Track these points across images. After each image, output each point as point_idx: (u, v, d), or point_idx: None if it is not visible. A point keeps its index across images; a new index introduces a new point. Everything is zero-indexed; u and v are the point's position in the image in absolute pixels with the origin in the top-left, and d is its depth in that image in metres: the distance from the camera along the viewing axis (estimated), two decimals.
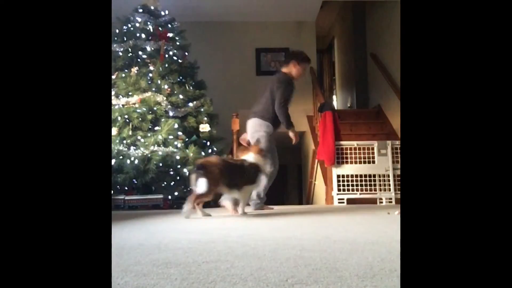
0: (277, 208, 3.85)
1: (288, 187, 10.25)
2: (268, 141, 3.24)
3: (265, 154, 2.89)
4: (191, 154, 4.03)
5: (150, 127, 4.18)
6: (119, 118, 4.12)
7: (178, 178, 4.01)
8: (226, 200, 2.95)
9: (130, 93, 4.27)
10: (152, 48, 4.60)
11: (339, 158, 4.59)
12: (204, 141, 4.47)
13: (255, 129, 3.29)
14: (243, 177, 2.66)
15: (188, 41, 5.01)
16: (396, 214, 2.59)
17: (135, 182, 3.94)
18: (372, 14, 7.06)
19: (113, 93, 4.27)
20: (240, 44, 7.16)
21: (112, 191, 3.82)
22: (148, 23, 4.75)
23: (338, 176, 4.56)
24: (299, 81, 7.69)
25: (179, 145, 4.09)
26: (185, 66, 4.79)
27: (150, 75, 4.45)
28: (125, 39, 4.63)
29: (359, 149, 4.62)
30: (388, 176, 4.53)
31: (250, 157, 2.76)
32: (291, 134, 3.37)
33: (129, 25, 4.73)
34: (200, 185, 2.42)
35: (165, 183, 4.00)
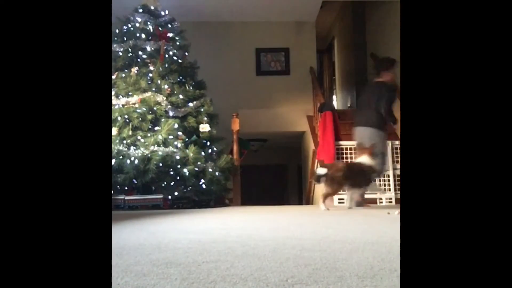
0: (277, 208, 3.85)
1: (288, 187, 10.25)
2: (383, 146, 3.77)
3: (375, 155, 3.44)
4: (191, 154, 4.03)
5: (150, 127, 4.17)
6: (119, 118, 4.11)
7: (178, 178, 4.01)
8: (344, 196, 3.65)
9: (130, 93, 4.26)
10: (152, 48, 4.60)
11: (339, 158, 4.59)
12: (204, 141, 4.47)
13: (372, 138, 3.66)
14: (362, 179, 3.33)
15: (188, 41, 5.00)
16: (396, 214, 2.59)
17: (135, 182, 3.93)
18: (372, 14, 7.06)
19: (113, 93, 4.27)
20: (240, 44, 7.15)
21: (112, 191, 3.82)
22: (148, 23, 4.74)
23: None
24: (299, 81, 7.67)
25: (179, 145, 4.09)
26: (185, 66, 4.79)
27: (150, 75, 4.45)
28: (125, 39, 4.62)
29: None
30: (388, 176, 4.53)
31: (364, 159, 3.35)
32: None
33: (129, 25, 4.73)
34: (326, 187, 3.28)
35: (165, 183, 3.99)
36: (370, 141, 3.62)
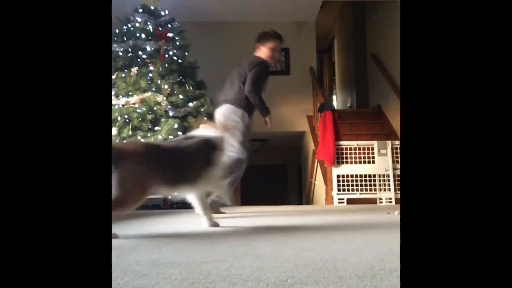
0: (277, 208, 3.84)
1: (288, 187, 10.25)
2: (242, 132, 2.95)
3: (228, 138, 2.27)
4: None
5: (150, 127, 4.17)
6: (119, 118, 4.11)
7: None
8: None
9: (130, 93, 4.27)
10: (152, 48, 4.60)
11: (339, 158, 4.59)
12: None
13: (227, 117, 2.95)
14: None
15: (188, 41, 5.00)
16: (396, 214, 2.59)
17: None
18: (372, 14, 7.06)
19: (113, 93, 4.27)
20: (240, 44, 7.15)
21: None
22: (148, 23, 4.74)
23: (338, 176, 4.56)
24: (299, 82, 7.66)
25: None
26: (185, 66, 4.79)
27: (150, 75, 4.45)
28: (125, 39, 4.62)
29: (359, 149, 4.62)
30: (388, 176, 4.53)
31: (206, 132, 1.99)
32: (267, 119, 3.14)
33: (129, 25, 4.73)
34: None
35: None
36: (225, 119, 2.87)
